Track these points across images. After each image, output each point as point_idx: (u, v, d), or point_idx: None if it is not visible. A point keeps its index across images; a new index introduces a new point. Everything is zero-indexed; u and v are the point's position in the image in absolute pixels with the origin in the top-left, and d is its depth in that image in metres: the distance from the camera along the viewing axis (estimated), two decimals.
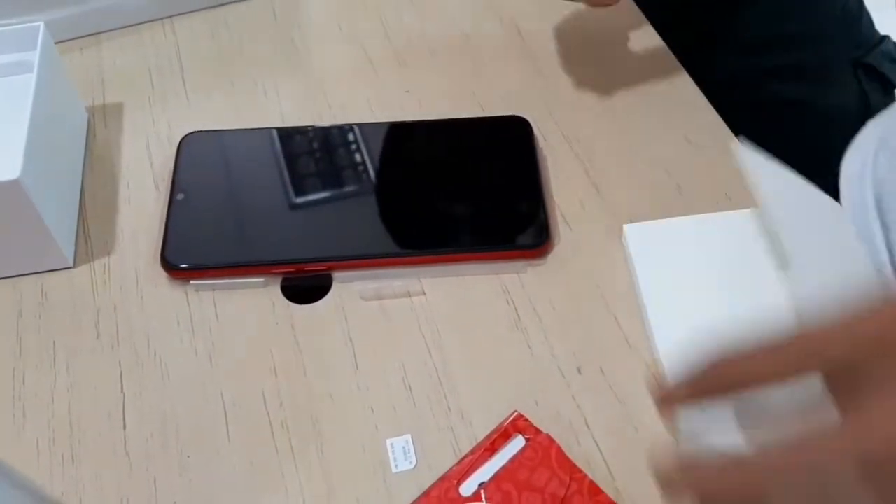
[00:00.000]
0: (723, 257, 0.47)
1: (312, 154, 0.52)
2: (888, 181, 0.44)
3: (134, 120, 0.56)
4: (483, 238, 0.42)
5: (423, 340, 0.45)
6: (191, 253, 0.47)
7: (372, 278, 0.47)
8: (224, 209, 0.49)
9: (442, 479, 0.39)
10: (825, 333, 0.31)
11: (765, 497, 0.30)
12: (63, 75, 0.53)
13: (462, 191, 0.50)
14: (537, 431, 0.40)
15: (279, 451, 0.41)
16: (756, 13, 0.69)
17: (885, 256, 0.44)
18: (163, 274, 0.47)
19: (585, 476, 0.39)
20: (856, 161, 0.46)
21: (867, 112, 0.70)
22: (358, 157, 0.52)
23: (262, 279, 0.47)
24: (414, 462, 0.41)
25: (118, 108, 0.56)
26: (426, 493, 0.39)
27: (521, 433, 0.40)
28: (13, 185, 0.42)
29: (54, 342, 0.46)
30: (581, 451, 0.41)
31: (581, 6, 0.58)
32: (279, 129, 0.53)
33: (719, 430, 0.33)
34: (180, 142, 0.52)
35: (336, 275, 0.47)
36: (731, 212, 0.49)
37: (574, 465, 0.39)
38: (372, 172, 0.51)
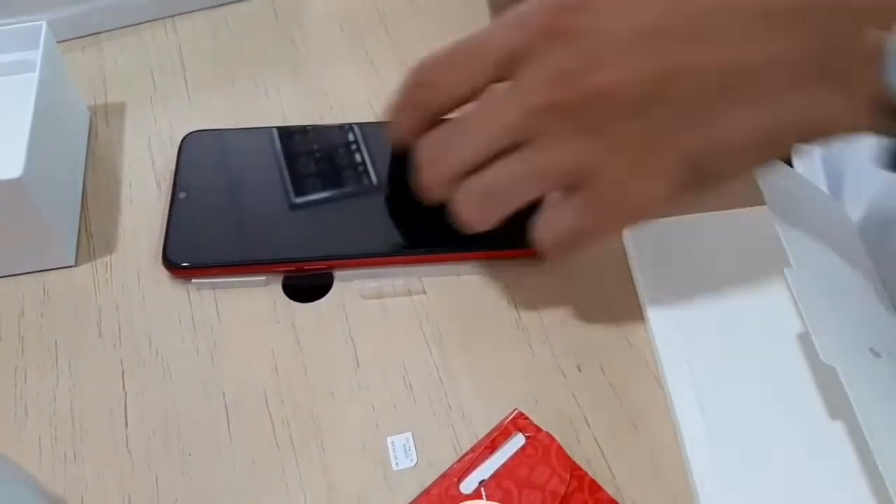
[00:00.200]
0: (723, 257, 0.47)
1: (313, 153, 0.52)
2: None
3: (135, 119, 0.56)
4: (484, 237, 0.42)
5: (424, 339, 0.45)
6: (192, 252, 0.47)
7: (372, 277, 0.47)
8: (226, 208, 0.49)
9: (443, 476, 0.40)
10: (501, 34, 0.39)
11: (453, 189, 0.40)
12: (65, 74, 0.53)
13: None
14: (537, 429, 0.40)
15: (280, 449, 0.42)
16: None
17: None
18: (164, 272, 0.48)
19: (586, 474, 0.39)
20: None
21: None
22: (359, 156, 0.52)
23: (263, 278, 0.47)
24: (415, 460, 0.41)
25: (120, 108, 0.56)
26: (427, 491, 0.39)
27: (521, 431, 0.40)
28: (15, 183, 0.42)
29: (56, 341, 0.46)
30: (581, 449, 0.41)
31: None
32: (280, 129, 0.53)
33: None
34: (182, 141, 0.52)
35: (337, 273, 0.48)
36: (732, 211, 0.49)
37: (574, 463, 0.39)
38: (372, 172, 0.51)
